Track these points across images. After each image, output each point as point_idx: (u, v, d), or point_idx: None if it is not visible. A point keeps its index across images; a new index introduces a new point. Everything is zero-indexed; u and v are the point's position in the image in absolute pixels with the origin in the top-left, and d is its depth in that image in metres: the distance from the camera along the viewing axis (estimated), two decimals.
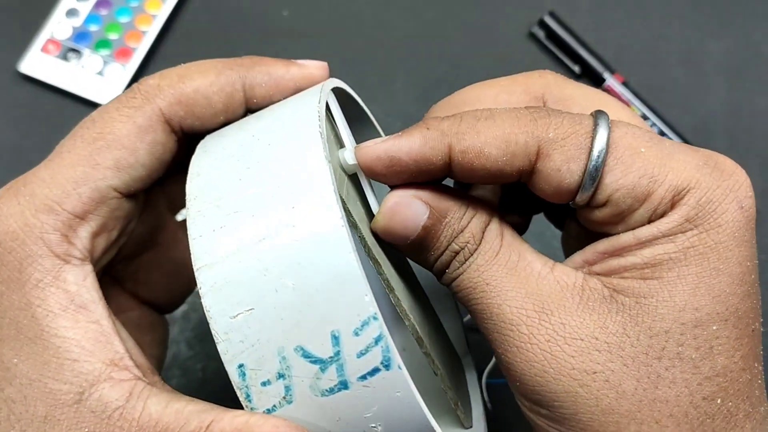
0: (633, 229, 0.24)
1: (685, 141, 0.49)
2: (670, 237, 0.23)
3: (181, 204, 0.34)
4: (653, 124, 0.50)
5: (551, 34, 0.53)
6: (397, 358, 0.22)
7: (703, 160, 0.24)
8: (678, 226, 0.23)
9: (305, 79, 0.29)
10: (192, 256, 0.24)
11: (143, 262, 0.34)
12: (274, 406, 0.24)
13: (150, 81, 0.28)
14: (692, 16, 0.56)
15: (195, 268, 0.24)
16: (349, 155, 0.25)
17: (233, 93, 0.28)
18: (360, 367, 0.22)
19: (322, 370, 0.23)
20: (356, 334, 0.22)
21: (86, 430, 0.25)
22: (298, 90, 0.29)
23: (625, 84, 0.51)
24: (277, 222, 0.23)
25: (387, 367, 0.22)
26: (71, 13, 0.53)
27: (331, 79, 0.29)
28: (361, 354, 0.22)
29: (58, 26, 0.52)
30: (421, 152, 0.24)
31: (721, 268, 0.23)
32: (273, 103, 0.29)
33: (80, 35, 0.52)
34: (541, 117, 0.24)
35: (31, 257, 0.26)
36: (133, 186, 0.28)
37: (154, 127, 0.28)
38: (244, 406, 0.24)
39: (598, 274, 0.25)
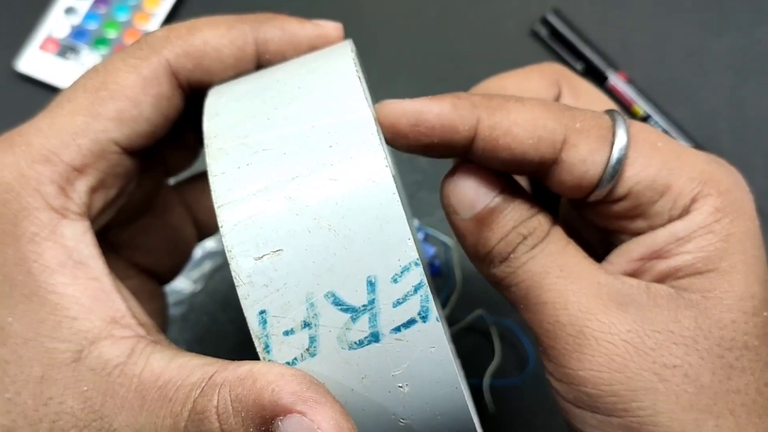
0: (653, 221, 0.24)
1: (690, 139, 0.48)
2: (707, 227, 0.24)
3: (178, 168, 0.33)
4: (656, 123, 0.49)
5: (554, 32, 0.53)
6: (435, 310, 0.21)
7: (709, 158, 0.25)
8: (711, 216, 0.24)
9: (320, 38, 0.28)
10: (213, 194, 0.22)
11: (140, 227, 0.32)
12: (295, 359, 0.22)
13: (158, 33, 0.27)
14: (696, 14, 0.55)
15: (216, 206, 0.22)
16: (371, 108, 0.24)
17: (244, 46, 0.27)
18: (395, 317, 0.21)
19: (353, 319, 0.21)
20: (395, 281, 0.21)
21: (84, 388, 0.23)
22: (312, 49, 0.28)
23: (628, 82, 0.51)
24: (314, 160, 0.22)
25: (424, 318, 0.21)
26: (69, 11, 0.53)
27: (349, 39, 0.28)
28: (398, 303, 0.21)
29: (56, 24, 0.52)
30: (450, 117, 0.23)
31: (757, 255, 0.24)
32: (286, 59, 0.27)
33: (78, 33, 0.52)
34: (568, 108, 0.24)
35: (27, 210, 0.24)
36: (136, 141, 0.26)
37: (159, 79, 0.26)
38: (261, 358, 0.22)
39: (653, 281, 0.24)
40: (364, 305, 0.21)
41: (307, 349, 0.22)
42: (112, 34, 0.52)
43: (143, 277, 0.33)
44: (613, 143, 0.24)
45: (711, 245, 0.24)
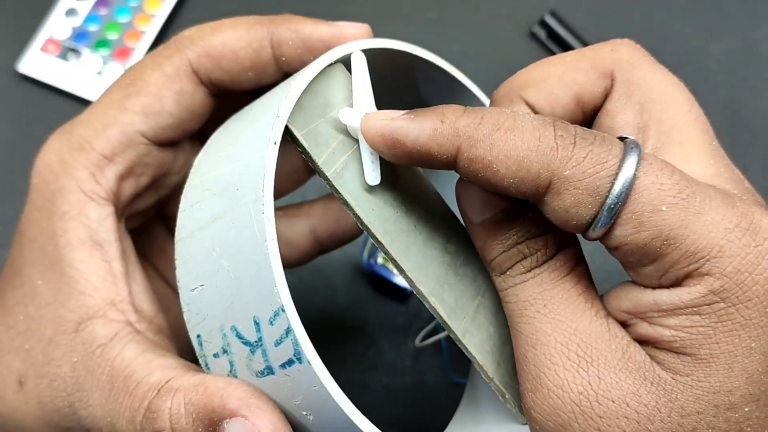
0: (642, 279, 0.23)
1: None
2: (695, 308, 0.22)
3: None
4: None
5: (552, 34, 0.53)
6: (307, 353, 0.21)
7: (735, 221, 0.22)
8: (702, 297, 0.21)
9: (336, 38, 0.28)
10: (176, 227, 0.25)
11: None
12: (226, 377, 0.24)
13: (186, 33, 0.29)
14: (694, 16, 0.55)
15: (175, 241, 0.25)
16: (344, 115, 0.24)
17: (260, 49, 0.28)
18: (279, 355, 0.22)
19: (252, 352, 0.23)
20: (271, 323, 0.22)
21: (74, 359, 0.26)
22: (328, 50, 0.28)
23: None
24: (227, 202, 0.23)
25: (299, 360, 0.21)
26: (70, 12, 0.53)
27: (361, 41, 0.27)
28: (277, 343, 0.22)
29: (57, 26, 0.52)
30: (426, 145, 0.22)
31: (753, 347, 0.21)
32: (304, 63, 0.28)
33: (79, 35, 0.52)
34: (564, 146, 0.22)
35: (62, 190, 0.27)
36: (162, 134, 0.28)
37: (181, 76, 0.28)
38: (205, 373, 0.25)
39: (635, 340, 0.23)
40: (255, 341, 0.22)
41: (230, 371, 0.24)
42: (113, 35, 0.52)
43: None
44: (606, 197, 0.21)
45: (693, 328, 0.22)
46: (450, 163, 0.23)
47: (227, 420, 0.22)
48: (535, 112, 0.26)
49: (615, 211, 0.21)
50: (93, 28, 0.53)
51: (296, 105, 0.24)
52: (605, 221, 0.22)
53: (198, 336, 0.24)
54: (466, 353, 0.26)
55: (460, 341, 0.26)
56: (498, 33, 0.55)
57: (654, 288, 0.22)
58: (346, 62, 0.26)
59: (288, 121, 0.23)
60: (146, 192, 0.30)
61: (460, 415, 0.34)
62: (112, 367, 0.25)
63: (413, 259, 0.25)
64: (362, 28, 0.29)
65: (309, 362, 0.21)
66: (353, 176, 0.25)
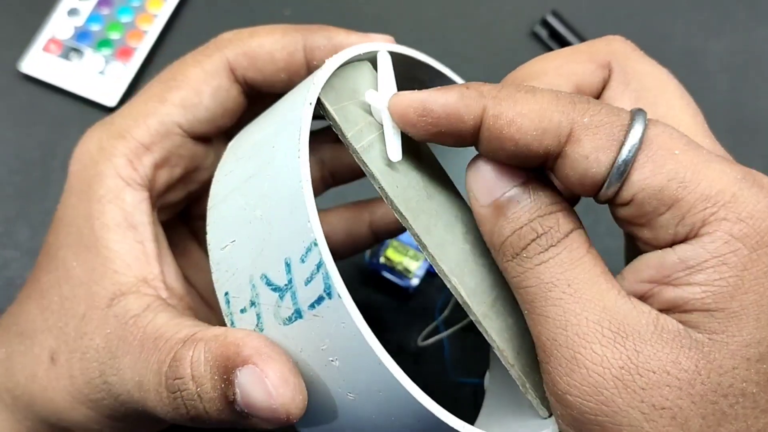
0: (658, 233, 0.23)
1: None
2: (721, 258, 0.22)
3: None
4: None
5: (554, 33, 0.53)
6: (337, 286, 0.22)
7: (741, 174, 0.23)
8: (725, 244, 0.22)
9: None
10: (209, 197, 0.27)
11: None
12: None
13: (224, 35, 0.31)
14: (695, 15, 0.55)
15: (207, 209, 0.27)
16: (371, 96, 0.26)
17: (294, 52, 0.30)
18: (308, 294, 0.22)
19: (281, 297, 0.23)
20: (302, 260, 0.22)
21: (108, 331, 0.27)
22: None
23: None
24: (261, 161, 0.25)
25: (329, 295, 0.22)
26: (73, 12, 0.53)
27: (387, 43, 0.29)
28: (307, 281, 0.22)
29: (59, 26, 0.52)
30: (455, 107, 0.24)
31: None
32: None
33: (82, 35, 0.52)
34: (580, 102, 0.23)
35: (100, 175, 0.29)
36: (197, 126, 0.30)
37: (219, 73, 0.30)
38: None
39: (661, 311, 0.23)
40: (285, 284, 0.23)
41: (257, 325, 0.25)
42: (115, 35, 0.52)
43: None
44: (623, 143, 0.22)
45: (723, 280, 0.22)
46: (476, 127, 0.24)
47: (239, 368, 0.23)
48: None
49: (633, 155, 0.22)
50: (95, 27, 0.53)
51: (328, 85, 0.26)
52: (623, 167, 0.22)
53: (226, 294, 0.25)
54: (486, 337, 0.26)
55: (480, 324, 0.26)
56: (499, 33, 0.55)
57: (670, 243, 0.23)
58: (371, 62, 0.28)
59: (321, 94, 0.25)
60: (178, 184, 0.32)
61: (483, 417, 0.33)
62: (144, 333, 0.27)
63: (435, 239, 0.26)
64: (388, 39, 0.31)
65: (339, 295, 0.22)
66: (378, 154, 0.26)
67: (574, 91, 0.27)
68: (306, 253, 0.22)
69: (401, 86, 0.27)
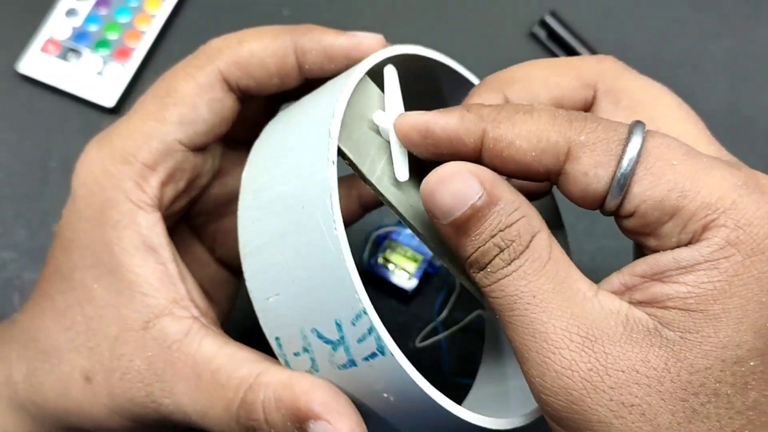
0: (663, 242, 0.23)
1: None
2: (713, 263, 0.22)
3: None
4: None
5: (552, 34, 0.53)
6: (390, 346, 0.24)
7: (743, 180, 0.23)
8: (719, 250, 0.22)
9: (355, 48, 0.30)
10: (239, 242, 0.27)
11: (222, 226, 0.36)
12: (307, 371, 0.27)
13: (213, 44, 0.31)
14: (694, 16, 0.55)
15: (241, 254, 0.27)
16: (378, 117, 0.27)
17: (285, 57, 0.30)
18: (362, 350, 0.24)
19: (334, 349, 0.25)
20: (353, 324, 0.24)
21: (149, 353, 0.28)
22: (349, 59, 0.30)
23: None
24: (292, 220, 0.25)
25: (382, 353, 0.24)
26: (70, 12, 0.53)
27: (384, 50, 0.29)
28: (360, 340, 0.24)
29: (57, 26, 0.52)
30: (455, 130, 0.25)
31: (764, 301, 0.22)
32: (325, 70, 0.30)
33: (80, 35, 0.52)
34: (577, 120, 0.24)
35: (111, 201, 0.29)
36: (197, 140, 0.31)
37: (213, 85, 0.30)
38: None
39: (641, 302, 0.24)
40: (337, 340, 0.25)
41: (312, 367, 0.26)
42: (113, 35, 0.52)
43: (220, 266, 0.37)
44: (621, 157, 0.23)
45: (710, 283, 0.22)
46: (477, 148, 0.25)
47: (312, 420, 0.25)
48: None
49: (631, 168, 0.23)
50: (93, 28, 0.53)
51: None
52: (622, 180, 0.23)
53: (277, 338, 0.27)
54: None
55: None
56: (498, 33, 0.55)
57: (674, 248, 0.23)
58: (370, 70, 0.28)
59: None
60: (182, 195, 0.32)
61: (483, 372, 0.36)
62: (195, 362, 0.28)
63: (449, 252, 0.27)
64: (377, 38, 0.31)
65: (392, 354, 0.24)
66: (390, 179, 0.28)
67: (552, 104, 0.28)
68: (356, 318, 0.24)
69: (411, 89, 0.28)
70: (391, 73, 0.29)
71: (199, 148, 0.32)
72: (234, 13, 0.55)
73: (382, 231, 0.46)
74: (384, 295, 0.47)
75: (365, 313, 0.24)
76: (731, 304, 0.22)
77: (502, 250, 0.24)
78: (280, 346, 0.27)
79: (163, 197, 0.31)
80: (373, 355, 0.24)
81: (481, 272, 0.25)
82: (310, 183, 0.25)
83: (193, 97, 0.30)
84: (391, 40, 0.29)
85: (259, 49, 0.30)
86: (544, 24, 0.53)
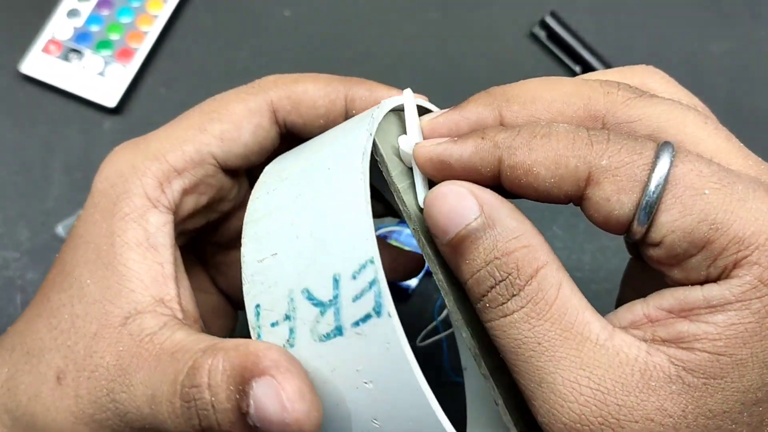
0: (689, 275, 0.22)
1: None
2: (745, 303, 0.21)
3: None
4: None
5: (552, 35, 0.53)
6: (388, 306, 0.22)
7: None
8: (752, 289, 0.21)
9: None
10: (246, 212, 0.27)
11: (229, 258, 0.36)
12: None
13: (269, 77, 0.32)
14: (694, 17, 0.56)
15: (245, 222, 0.27)
16: (403, 142, 0.27)
17: (336, 101, 0.31)
18: (354, 312, 0.23)
19: (322, 313, 0.23)
20: (354, 277, 0.23)
21: (121, 348, 0.27)
22: None
23: None
24: (314, 181, 0.25)
25: (378, 313, 0.22)
26: (72, 13, 0.53)
27: (394, 98, 0.29)
28: (356, 298, 0.23)
29: (59, 27, 0.52)
30: (470, 161, 0.24)
31: None
32: None
33: (81, 36, 0.52)
34: (598, 141, 0.23)
35: (127, 193, 0.29)
36: (231, 161, 0.31)
37: (262, 112, 0.31)
38: None
39: (665, 340, 0.22)
40: (330, 300, 0.23)
41: (288, 340, 0.24)
42: (114, 36, 0.52)
43: (222, 296, 0.37)
44: (646, 184, 0.22)
45: (741, 325, 0.21)
46: (494, 175, 0.24)
47: (256, 378, 0.23)
48: None
49: (657, 196, 0.21)
50: (95, 28, 0.53)
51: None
52: (648, 209, 0.22)
53: (257, 306, 0.25)
54: (492, 393, 0.26)
55: (489, 378, 0.25)
56: (498, 34, 0.55)
57: (702, 283, 0.22)
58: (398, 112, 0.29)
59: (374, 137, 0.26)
60: (201, 212, 0.32)
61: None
62: (160, 348, 0.26)
63: (459, 288, 0.25)
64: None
65: (389, 314, 0.22)
66: (412, 199, 0.27)
67: None
68: (359, 270, 0.22)
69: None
70: (410, 101, 0.28)
71: (230, 171, 0.31)
72: (235, 14, 0.55)
73: (382, 231, 0.46)
74: None
75: (372, 262, 0.22)
76: (760, 347, 0.21)
77: (497, 283, 0.23)
78: (258, 315, 0.25)
79: (182, 206, 0.30)
80: (366, 318, 0.22)
81: (480, 304, 0.23)
82: (341, 148, 0.25)
83: (240, 118, 0.30)
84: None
85: (312, 89, 0.31)
86: (544, 25, 0.53)
